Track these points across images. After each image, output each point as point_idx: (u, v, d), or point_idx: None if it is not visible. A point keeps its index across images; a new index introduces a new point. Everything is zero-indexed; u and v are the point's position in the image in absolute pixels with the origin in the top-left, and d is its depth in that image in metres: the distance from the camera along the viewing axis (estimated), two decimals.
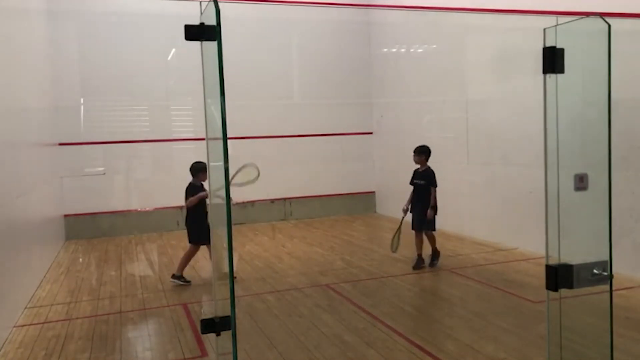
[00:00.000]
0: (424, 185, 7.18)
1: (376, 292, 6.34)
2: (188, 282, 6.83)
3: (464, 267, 7.21)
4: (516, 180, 7.98)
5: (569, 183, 2.47)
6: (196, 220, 6.77)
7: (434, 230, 7.22)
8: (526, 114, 7.73)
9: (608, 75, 2.42)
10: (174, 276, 6.84)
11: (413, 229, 7.31)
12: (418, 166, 7.35)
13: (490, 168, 8.60)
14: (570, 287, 2.39)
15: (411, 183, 7.36)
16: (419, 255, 7.25)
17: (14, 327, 5.46)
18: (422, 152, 7.27)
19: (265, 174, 12.16)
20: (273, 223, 11.45)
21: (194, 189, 6.81)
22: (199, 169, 6.76)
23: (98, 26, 10.54)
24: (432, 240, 7.29)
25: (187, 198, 6.82)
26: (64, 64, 10.27)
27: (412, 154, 7.34)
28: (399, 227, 7.23)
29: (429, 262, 7.26)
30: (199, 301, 6.22)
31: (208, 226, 5.94)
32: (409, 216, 7.27)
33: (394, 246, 7.24)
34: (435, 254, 7.32)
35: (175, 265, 7.06)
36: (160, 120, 11.05)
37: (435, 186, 7.15)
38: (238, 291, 6.22)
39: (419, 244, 7.27)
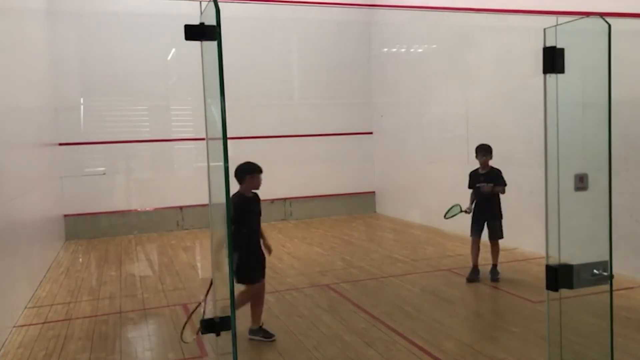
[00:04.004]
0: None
1: (376, 292, 6.34)
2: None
3: (464, 267, 7.20)
4: (516, 180, 7.96)
5: (569, 183, 2.47)
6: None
7: (502, 237, 6.61)
8: (526, 114, 7.73)
9: (608, 75, 2.42)
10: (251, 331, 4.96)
11: (472, 235, 6.71)
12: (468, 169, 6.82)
13: None
14: (570, 287, 2.39)
15: (472, 187, 6.66)
16: (475, 266, 6.64)
17: (14, 327, 5.46)
18: (488, 152, 6.56)
19: (266, 174, 12.18)
20: (273, 223, 11.44)
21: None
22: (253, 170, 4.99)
23: (98, 26, 10.55)
24: (497, 251, 6.63)
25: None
26: (64, 64, 10.27)
27: (475, 153, 6.66)
28: (462, 211, 6.58)
29: (490, 276, 6.58)
30: (199, 302, 6.21)
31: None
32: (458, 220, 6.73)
33: (449, 215, 6.58)
34: (496, 267, 6.65)
35: (175, 267, 7.03)
36: (160, 120, 11.06)
37: (505, 184, 6.54)
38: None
39: (476, 253, 6.63)
